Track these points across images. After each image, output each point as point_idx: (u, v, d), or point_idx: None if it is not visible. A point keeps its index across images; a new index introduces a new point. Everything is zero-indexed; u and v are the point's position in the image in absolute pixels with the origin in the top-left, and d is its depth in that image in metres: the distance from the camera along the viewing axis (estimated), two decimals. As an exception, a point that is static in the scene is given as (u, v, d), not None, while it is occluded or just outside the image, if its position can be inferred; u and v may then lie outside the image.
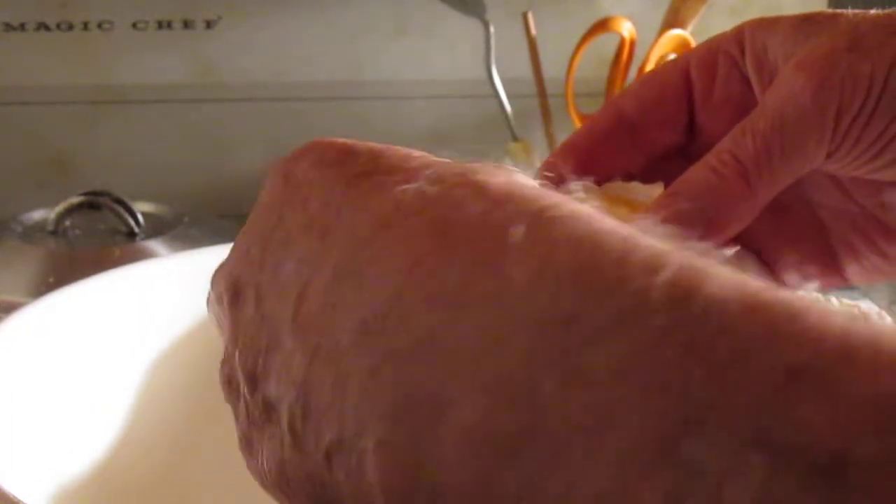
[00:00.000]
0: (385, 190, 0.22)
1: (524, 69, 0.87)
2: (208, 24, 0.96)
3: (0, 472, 0.37)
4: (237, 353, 0.24)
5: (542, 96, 0.87)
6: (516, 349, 0.18)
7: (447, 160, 0.23)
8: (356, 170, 0.23)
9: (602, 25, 0.83)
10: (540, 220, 0.19)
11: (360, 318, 0.20)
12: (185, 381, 0.50)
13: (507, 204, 0.20)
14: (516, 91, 0.88)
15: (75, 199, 0.80)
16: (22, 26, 0.94)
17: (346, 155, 0.24)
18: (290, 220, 0.24)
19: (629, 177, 0.35)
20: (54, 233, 0.79)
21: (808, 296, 0.27)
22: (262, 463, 0.24)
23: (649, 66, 0.81)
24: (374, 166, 0.23)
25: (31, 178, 0.97)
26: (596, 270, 0.18)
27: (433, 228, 0.20)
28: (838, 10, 0.33)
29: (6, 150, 0.97)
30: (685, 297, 0.17)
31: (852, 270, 0.36)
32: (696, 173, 0.33)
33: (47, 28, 0.94)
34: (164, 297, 0.50)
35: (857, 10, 0.33)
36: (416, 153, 0.24)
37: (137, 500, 0.46)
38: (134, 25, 0.95)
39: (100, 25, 0.95)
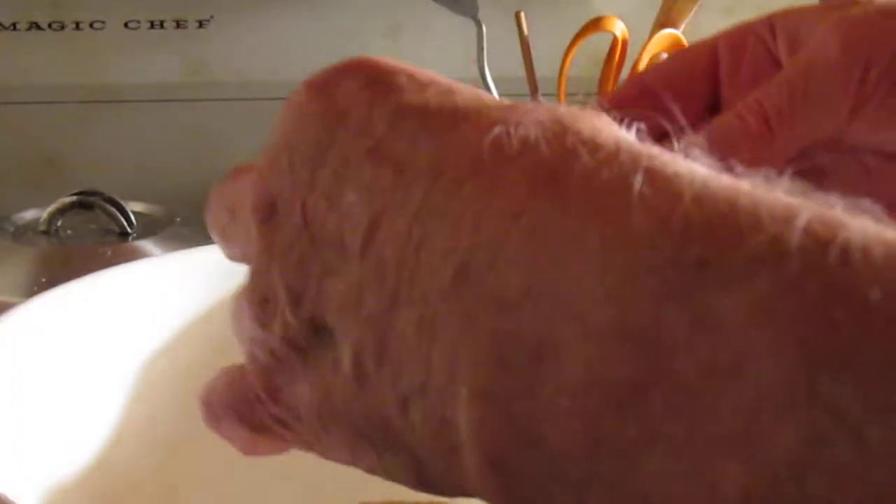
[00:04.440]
0: (470, 128, 0.21)
1: (517, 68, 0.87)
2: (200, 24, 0.96)
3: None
4: (277, 272, 0.23)
5: (534, 96, 0.87)
6: (640, 294, 0.17)
7: (525, 102, 0.22)
8: (426, 101, 0.23)
9: (594, 25, 0.83)
10: (658, 173, 0.19)
11: (458, 264, 0.20)
12: (178, 381, 0.50)
13: (619, 156, 0.19)
14: (509, 90, 0.88)
15: (67, 199, 0.80)
16: (13, 26, 0.94)
17: (404, 80, 0.23)
18: (347, 143, 0.22)
19: None
20: (46, 233, 0.79)
21: None
22: (299, 388, 0.24)
23: (642, 66, 0.81)
24: (448, 101, 0.22)
25: (22, 178, 0.97)
26: (727, 219, 0.18)
27: (538, 176, 0.20)
28: None
29: (-2, 149, 0.96)
30: (824, 242, 0.17)
31: None
32: (722, 116, 0.34)
33: (39, 27, 0.94)
34: (157, 297, 0.50)
35: None
36: (477, 93, 0.23)
37: (129, 500, 0.46)
38: (126, 25, 0.95)
39: (91, 25, 0.95)
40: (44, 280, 0.72)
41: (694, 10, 0.85)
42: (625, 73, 0.84)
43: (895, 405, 0.15)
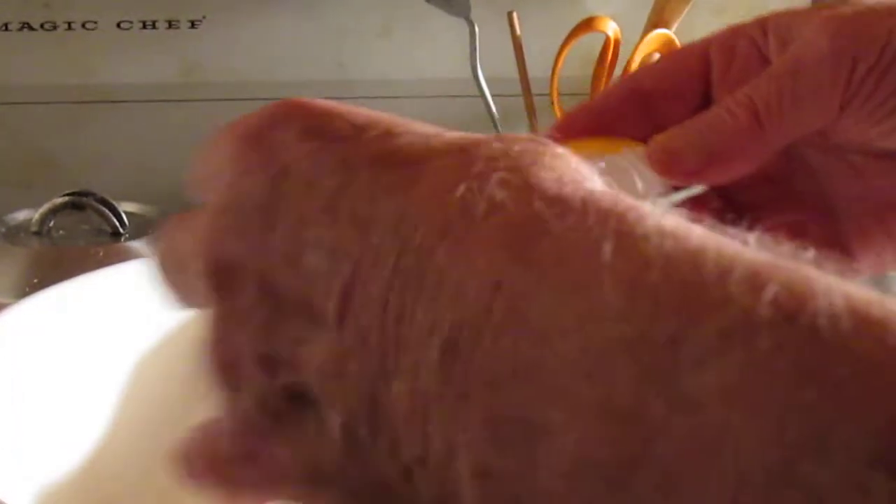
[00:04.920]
0: (430, 184, 0.20)
1: (509, 69, 0.87)
2: (192, 24, 0.96)
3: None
4: (243, 339, 0.22)
5: (527, 96, 0.87)
6: (618, 373, 0.17)
7: (470, 140, 0.21)
8: (372, 149, 0.22)
9: (587, 25, 0.83)
10: (626, 237, 0.18)
11: (444, 340, 0.19)
12: (170, 382, 0.50)
13: (586, 217, 0.19)
14: (502, 90, 0.88)
15: (59, 200, 0.80)
16: (5, 26, 0.94)
17: (342, 125, 0.22)
18: (297, 202, 0.21)
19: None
20: (38, 233, 0.79)
21: None
22: (277, 452, 0.22)
23: (634, 66, 0.81)
24: (392, 146, 0.21)
25: (14, 179, 0.97)
26: (696, 292, 0.17)
27: (509, 243, 0.19)
28: None
29: (-10, 150, 0.96)
30: (792, 316, 0.16)
31: (863, 259, 0.37)
32: (710, 111, 0.34)
33: (31, 28, 0.94)
34: (149, 298, 0.50)
35: None
36: (414, 129, 0.22)
37: (121, 500, 0.46)
38: (118, 25, 0.95)
39: (84, 25, 0.94)
40: (36, 281, 0.72)
41: (686, 10, 0.85)
42: (617, 72, 0.84)
43: (871, 487, 0.15)
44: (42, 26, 0.94)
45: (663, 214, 0.19)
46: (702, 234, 0.18)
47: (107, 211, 0.79)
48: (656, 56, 0.84)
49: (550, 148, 0.21)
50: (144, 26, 0.95)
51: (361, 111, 0.23)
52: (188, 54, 0.96)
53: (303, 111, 0.23)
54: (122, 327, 0.48)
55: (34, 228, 0.79)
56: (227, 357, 0.23)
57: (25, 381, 0.43)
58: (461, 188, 0.20)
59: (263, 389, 0.22)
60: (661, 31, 0.82)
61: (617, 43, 0.84)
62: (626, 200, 0.20)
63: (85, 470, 0.44)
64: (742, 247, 0.18)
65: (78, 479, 0.44)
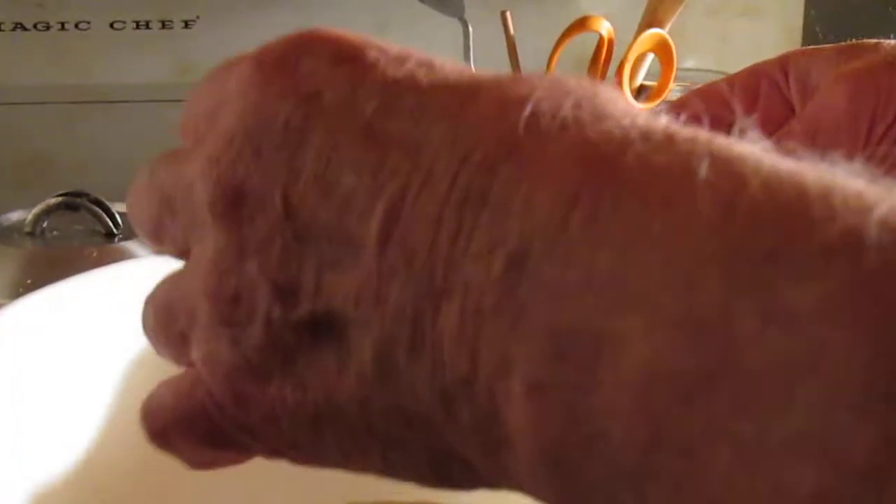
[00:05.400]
0: (487, 105, 0.20)
1: (503, 68, 0.87)
2: (186, 24, 0.95)
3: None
4: (255, 268, 0.21)
5: (521, 95, 0.87)
6: (708, 285, 0.16)
7: (526, 74, 0.21)
8: (415, 75, 0.21)
9: (580, 24, 0.83)
10: (720, 156, 0.18)
11: (510, 253, 0.18)
12: (165, 382, 0.50)
13: (674, 139, 0.18)
14: (495, 90, 0.89)
15: (53, 200, 0.80)
16: (-2, 26, 0.93)
17: (377, 54, 0.21)
18: (331, 125, 0.21)
19: None
20: (32, 234, 0.79)
21: None
22: (276, 392, 0.22)
23: (628, 66, 0.82)
24: (439, 75, 0.21)
25: (8, 179, 0.97)
26: (797, 207, 0.17)
27: (589, 157, 0.18)
28: (879, 40, 0.35)
29: (-17, 150, 0.96)
30: None
31: None
32: None
33: (24, 28, 0.94)
34: (143, 298, 0.50)
35: None
36: (454, 64, 0.22)
37: (118, 500, 0.46)
38: (111, 25, 0.95)
39: (77, 25, 0.94)
40: (29, 281, 0.72)
41: (680, 10, 0.85)
42: (611, 72, 0.84)
43: None
44: (35, 26, 0.94)
45: (753, 142, 0.19)
46: (798, 163, 0.18)
47: (101, 211, 0.79)
48: (650, 56, 0.84)
49: (604, 85, 0.21)
50: (138, 26, 0.95)
51: (394, 45, 0.22)
52: (182, 54, 0.96)
53: (331, 39, 0.22)
54: (116, 327, 0.48)
55: (28, 229, 0.79)
56: (231, 289, 0.22)
57: (19, 382, 0.43)
58: (527, 108, 0.19)
59: (277, 321, 0.21)
60: (654, 30, 0.82)
61: (611, 43, 0.84)
62: (708, 132, 0.19)
63: (80, 470, 0.44)
64: (840, 172, 0.18)
65: (73, 479, 0.44)
